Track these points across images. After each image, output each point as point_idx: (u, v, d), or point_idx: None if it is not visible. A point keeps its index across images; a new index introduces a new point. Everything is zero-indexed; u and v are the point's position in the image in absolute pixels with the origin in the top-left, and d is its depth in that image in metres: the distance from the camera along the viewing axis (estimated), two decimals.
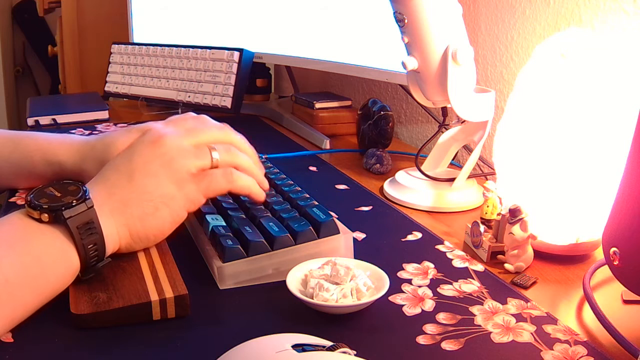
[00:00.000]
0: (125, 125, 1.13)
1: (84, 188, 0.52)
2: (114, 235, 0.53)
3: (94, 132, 1.07)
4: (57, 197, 0.50)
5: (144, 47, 1.28)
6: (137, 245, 0.55)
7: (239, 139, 0.63)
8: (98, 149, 0.68)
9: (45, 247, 0.48)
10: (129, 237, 0.54)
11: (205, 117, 0.67)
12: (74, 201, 0.49)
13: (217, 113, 1.11)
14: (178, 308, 0.50)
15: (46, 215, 0.48)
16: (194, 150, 0.58)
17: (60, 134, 0.76)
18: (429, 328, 0.50)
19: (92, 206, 0.50)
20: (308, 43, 1.11)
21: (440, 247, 0.65)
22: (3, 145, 0.71)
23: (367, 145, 0.97)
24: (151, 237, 0.56)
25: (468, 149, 0.90)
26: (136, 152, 0.57)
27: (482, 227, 0.63)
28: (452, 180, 0.79)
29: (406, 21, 0.70)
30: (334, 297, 0.50)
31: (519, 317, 0.51)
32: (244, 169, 0.61)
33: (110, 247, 0.52)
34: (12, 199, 0.74)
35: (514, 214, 0.59)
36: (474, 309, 0.52)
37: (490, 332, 0.49)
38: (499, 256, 0.62)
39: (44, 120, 1.12)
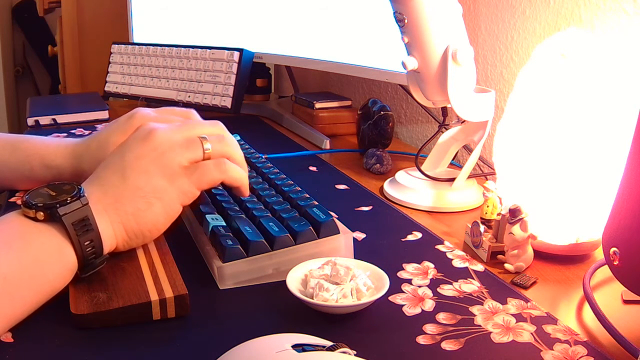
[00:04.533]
0: None
1: (79, 187, 0.52)
2: (110, 232, 0.53)
3: (93, 132, 1.07)
4: (52, 196, 0.50)
5: (144, 47, 1.28)
6: (133, 242, 0.55)
7: (230, 134, 0.63)
8: (93, 147, 0.68)
9: (42, 245, 0.48)
10: (124, 234, 0.54)
11: (191, 110, 0.68)
12: (69, 199, 0.50)
13: (217, 113, 1.11)
14: (178, 308, 0.50)
15: (41, 213, 0.49)
16: (185, 142, 0.57)
17: (56, 137, 0.76)
18: (429, 328, 0.50)
19: (87, 203, 0.50)
20: (308, 43, 1.11)
21: (440, 247, 0.65)
22: (1, 148, 0.71)
23: (367, 145, 0.97)
24: (147, 233, 0.55)
25: (468, 149, 0.90)
26: (128, 149, 0.57)
27: (482, 227, 0.63)
28: (452, 180, 0.79)
29: (406, 21, 0.70)
30: (334, 297, 0.50)
31: (519, 317, 0.51)
32: (235, 160, 0.60)
33: (107, 245, 0.52)
34: (12, 199, 0.74)
35: (514, 214, 0.59)
36: (474, 309, 0.52)
37: (490, 332, 0.49)
38: (499, 256, 0.62)
39: (44, 120, 1.12)
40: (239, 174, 0.60)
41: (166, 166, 0.55)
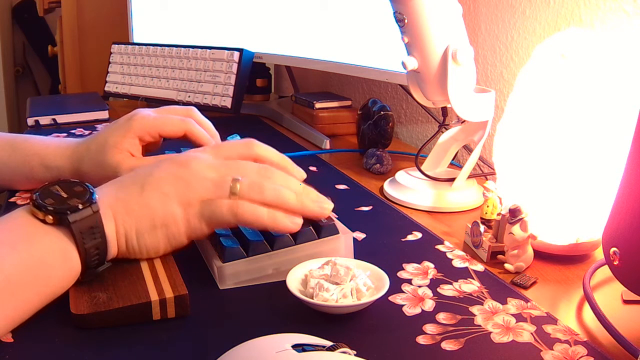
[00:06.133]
0: None
1: (91, 190, 0.51)
2: (114, 240, 0.52)
3: (94, 132, 1.07)
4: (63, 199, 0.49)
5: (144, 47, 1.28)
6: (131, 255, 0.54)
7: (279, 173, 0.57)
8: (93, 149, 0.68)
9: (48, 247, 0.48)
10: (124, 246, 0.53)
11: (191, 108, 0.66)
12: (80, 205, 0.49)
13: (217, 113, 1.11)
14: (178, 308, 0.50)
15: (50, 217, 0.48)
16: (215, 180, 0.54)
17: (56, 137, 0.76)
18: (429, 328, 0.50)
19: (98, 211, 0.50)
20: (308, 43, 1.11)
21: (440, 247, 0.65)
22: (0, 149, 0.71)
23: (367, 145, 0.97)
24: (144, 253, 0.54)
25: (468, 149, 0.90)
26: (158, 167, 0.55)
27: (482, 227, 0.63)
28: (452, 180, 0.79)
29: (406, 21, 0.70)
30: (334, 297, 0.50)
31: (519, 317, 0.51)
32: (273, 204, 0.54)
33: (112, 252, 0.52)
34: (12, 199, 0.74)
35: (514, 214, 0.59)
36: (474, 309, 0.52)
37: (490, 332, 0.49)
38: (499, 256, 0.62)
39: (44, 120, 1.12)
40: (254, 216, 0.53)
41: (185, 195, 0.53)
